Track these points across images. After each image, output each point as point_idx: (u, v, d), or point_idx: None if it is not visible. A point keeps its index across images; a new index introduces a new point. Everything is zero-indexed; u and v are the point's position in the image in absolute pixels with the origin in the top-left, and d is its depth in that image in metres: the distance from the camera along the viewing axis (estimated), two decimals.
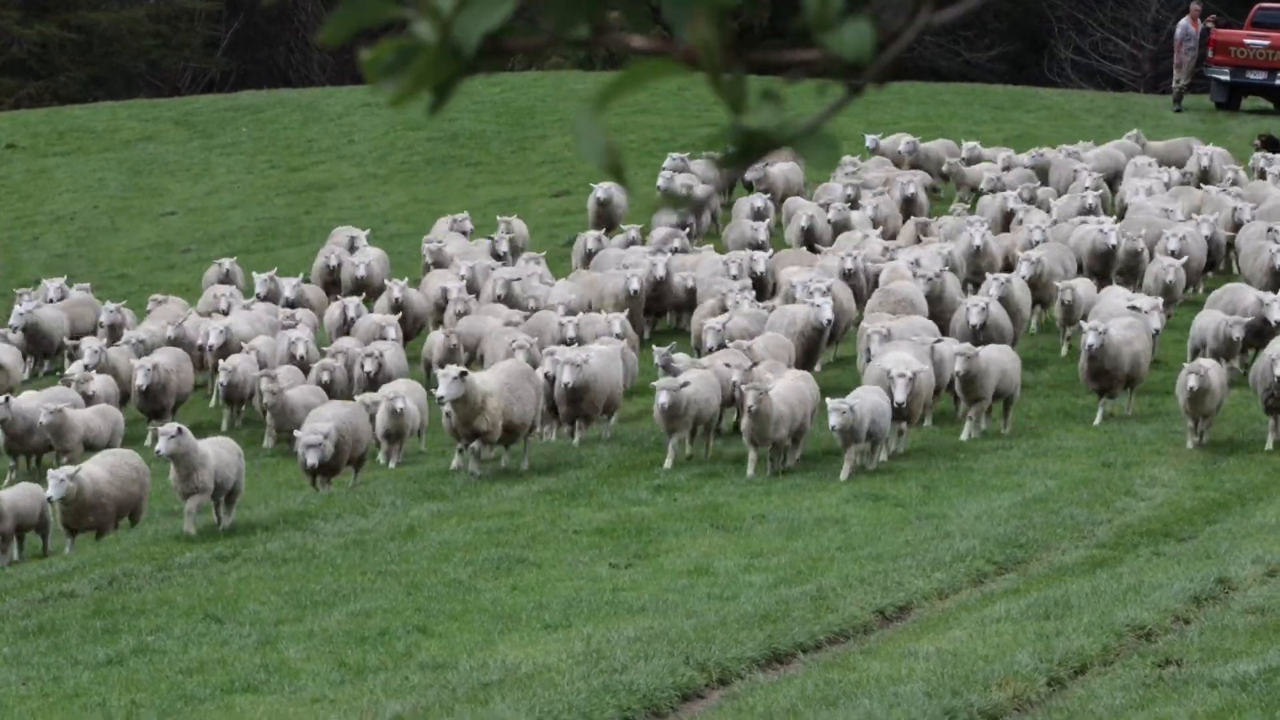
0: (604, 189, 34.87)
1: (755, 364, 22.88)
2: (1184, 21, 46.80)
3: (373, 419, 22.74)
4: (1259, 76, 46.49)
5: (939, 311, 25.89)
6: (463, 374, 21.46)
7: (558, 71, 56.20)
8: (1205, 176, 35.12)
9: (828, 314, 24.92)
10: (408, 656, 14.24)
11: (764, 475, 21.08)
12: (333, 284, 31.59)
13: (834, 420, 20.49)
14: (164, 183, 44.84)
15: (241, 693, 13.50)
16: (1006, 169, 36.12)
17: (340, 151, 46.31)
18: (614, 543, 18.33)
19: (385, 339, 26.61)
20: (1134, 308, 24.48)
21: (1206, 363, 22.17)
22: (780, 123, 2.94)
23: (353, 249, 32.47)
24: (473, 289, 29.20)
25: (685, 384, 21.67)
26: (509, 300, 28.41)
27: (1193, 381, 21.52)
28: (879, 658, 13.57)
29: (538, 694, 12.62)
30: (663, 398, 21.49)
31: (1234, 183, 34.22)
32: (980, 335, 24.42)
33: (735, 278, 28.33)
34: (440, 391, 21.40)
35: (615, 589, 16.31)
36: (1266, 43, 46.16)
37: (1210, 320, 24.82)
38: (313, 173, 44.78)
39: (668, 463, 21.91)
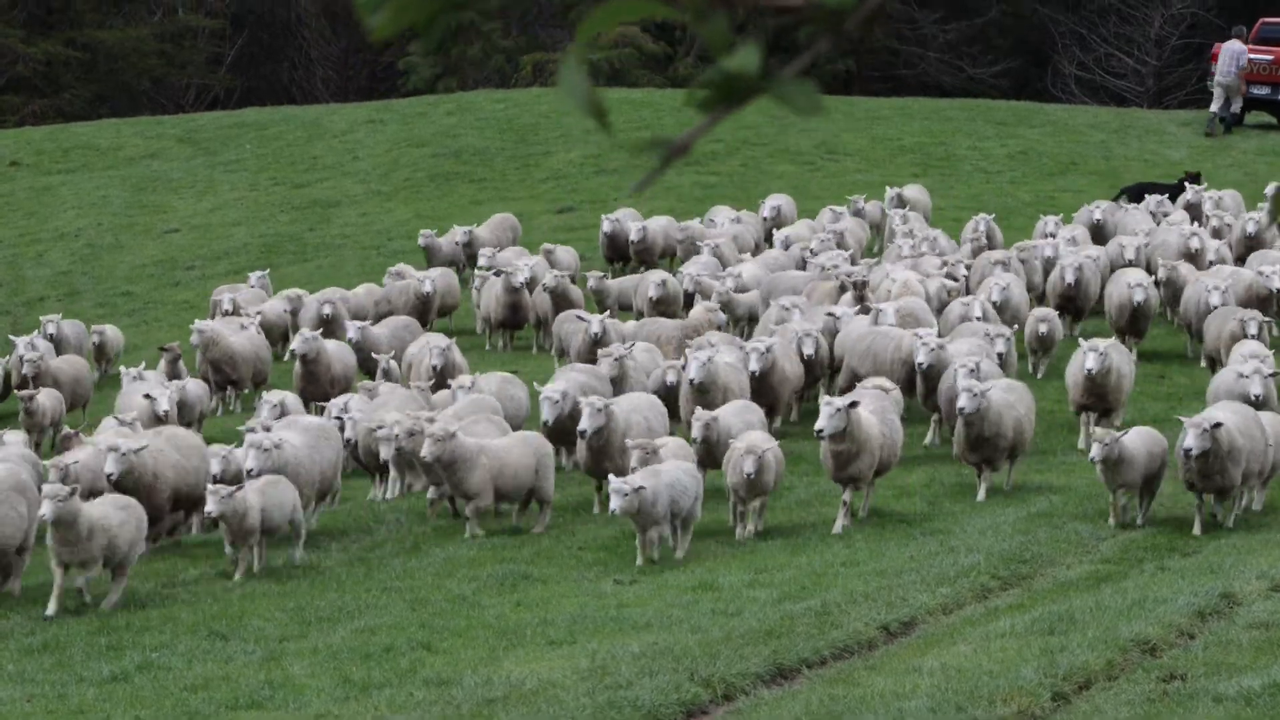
0: (610, 220, 34.27)
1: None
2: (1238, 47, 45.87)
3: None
4: (1263, 91, 46.49)
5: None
6: (72, 492, 16.83)
7: None
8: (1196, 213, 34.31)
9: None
10: (412, 673, 14.23)
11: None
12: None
13: (614, 503, 17.74)
14: (168, 200, 44.86)
15: (246, 709, 13.50)
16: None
17: (344, 168, 46.34)
18: (618, 559, 18.33)
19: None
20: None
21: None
22: (761, 67, 2.93)
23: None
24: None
25: (248, 475, 18.65)
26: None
27: (1095, 452, 18.79)
28: (883, 673, 13.56)
29: (542, 710, 12.61)
30: (212, 507, 18.02)
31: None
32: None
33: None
34: (41, 512, 16.74)
35: (620, 605, 16.30)
36: (1270, 58, 46.16)
37: None
38: (317, 189, 44.79)
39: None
